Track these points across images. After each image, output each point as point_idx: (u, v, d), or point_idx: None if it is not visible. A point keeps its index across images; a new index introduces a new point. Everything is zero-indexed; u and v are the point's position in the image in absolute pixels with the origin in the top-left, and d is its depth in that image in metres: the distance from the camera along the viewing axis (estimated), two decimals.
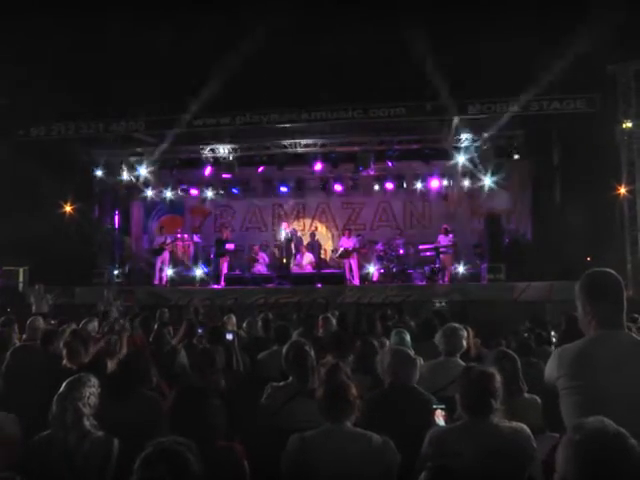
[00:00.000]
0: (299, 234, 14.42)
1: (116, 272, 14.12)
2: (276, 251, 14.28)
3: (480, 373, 2.59)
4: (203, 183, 15.08)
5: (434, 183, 14.36)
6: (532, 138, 13.36)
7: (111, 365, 3.87)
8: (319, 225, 15.53)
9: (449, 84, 11.49)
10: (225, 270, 13.40)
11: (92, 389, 2.79)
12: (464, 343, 4.17)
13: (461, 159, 13.59)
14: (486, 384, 2.52)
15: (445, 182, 14.38)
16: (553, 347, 5.08)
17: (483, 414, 2.49)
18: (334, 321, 6.21)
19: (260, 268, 13.75)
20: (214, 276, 13.53)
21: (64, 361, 4.03)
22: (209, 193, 15.20)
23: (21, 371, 3.87)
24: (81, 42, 11.64)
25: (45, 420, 2.79)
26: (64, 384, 2.79)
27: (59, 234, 13.69)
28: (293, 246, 13.65)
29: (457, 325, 4.34)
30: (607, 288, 2.24)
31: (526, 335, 6.05)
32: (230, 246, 13.75)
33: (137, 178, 14.77)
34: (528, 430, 2.50)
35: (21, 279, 13.05)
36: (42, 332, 5.07)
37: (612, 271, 2.29)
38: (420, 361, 4.20)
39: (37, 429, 2.83)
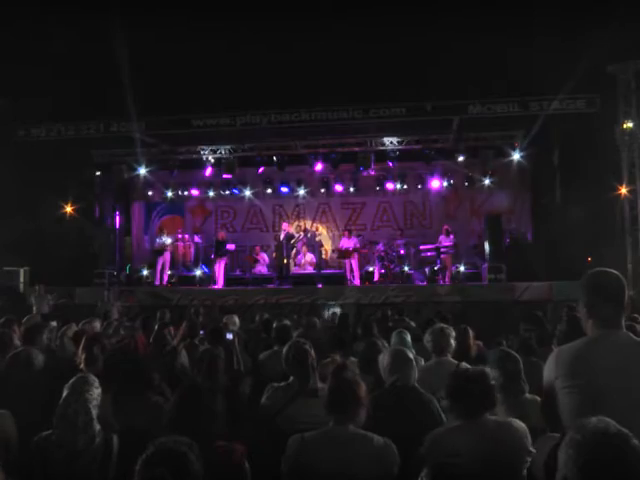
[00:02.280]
0: (301, 234, 14.42)
1: (117, 272, 14.10)
2: (276, 252, 14.27)
3: (472, 373, 2.59)
4: (204, 184, 15.09)
5: (434, 183, 14.37)
6: (532, 138, 13.36)
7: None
8: (320, 225, 15.54)
9: (449, 84, 11.50)
10: (222, 271, 13.36)
11: (98, 390, 2.80)
12: (452, 342, 4.21)
13: (461, 159, 13.59)
14: (480, 383, 2.52)
15: (445, 182, 14.39)
16: (554, 347, 5.08)
17: (478, 413, 2.49)
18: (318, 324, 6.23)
19: (261, 268, 13.77)
20: (210, 277, 13.53)
21: (81, 366, 3.98)
22: (210, 194, 15.20)
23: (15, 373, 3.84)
24: (81, 42, 11.63)
25: (37, 419, 2.78)
26: (73, 386, 2.77)
27: (60, 235, 13.69)
28: (295, 246, 13.66)
29: (444, 325, 4.42)
30: (608, 288, 2.24)
31: (527, 335, 6.04)
32: (231, 246, 13.76)
33: (137, 179, 14.77)
34: (523, 425, 2.51)
35: (22, 280, 13.04)
36: (23, 329, 4.91)
37: (614, 271, 2.28)
38: (421, 362, 4.22)
39: (31, 429, 2.81)
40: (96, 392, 2.76)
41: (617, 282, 2.25)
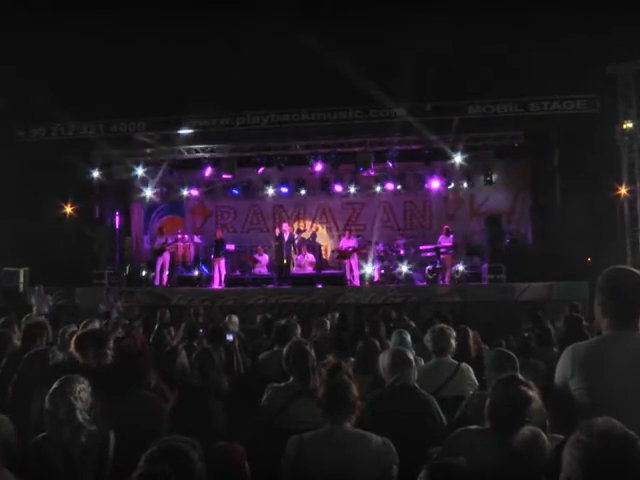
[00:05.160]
0: (301, 235, 14.40)
1: (116, 273, 14.09)
2: (276, 252, 14.24)
3: (519, 392, 2.40)
4: (203, 184, 15.08)
5: (434, 183, 14.35)
6: (532, 138, 13.37)
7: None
8: (319, 226, 15.52)
9: (449, 84, 11.49)
10: (222, 270, 13.31)
11: (82, 385, 2.82)
12: (452, 342, 4.21)
13: (461, 159, 13.59)
14: (524, 404, 2.36)
15: (445, 183, 14.38)
16: (555, 348, 5.07)
17: (511, 427, 2.35)
18: (328, 324, 6.21)
19: (260, 269, 13.75)
20: (209, 277, 13.51)
21: (80, 361, 3.97)
22: (210, 194, 15.18)
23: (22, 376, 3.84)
24: (81, 43, 11.62)
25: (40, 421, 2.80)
26: (57, 383, 2.81)
27: (59, 235, 13.69)
28: (295, 246, 13.64)
29: (444, 325, 4.42)
30: (624, 288, 2.18)
31: (527, 335, 6.04)
32: (231, 247, 13.72)
33: (137, 179, 14.77)
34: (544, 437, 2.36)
35: (22, 280, 13.04)
36: (24, 327, 4.86)
37: (634, 270, 2.23)
38: (421, 362, 4.22)
39: (33, 431, 2.84)
40: (78, 387, 2.78)
41: (634, 282, 2.19)
